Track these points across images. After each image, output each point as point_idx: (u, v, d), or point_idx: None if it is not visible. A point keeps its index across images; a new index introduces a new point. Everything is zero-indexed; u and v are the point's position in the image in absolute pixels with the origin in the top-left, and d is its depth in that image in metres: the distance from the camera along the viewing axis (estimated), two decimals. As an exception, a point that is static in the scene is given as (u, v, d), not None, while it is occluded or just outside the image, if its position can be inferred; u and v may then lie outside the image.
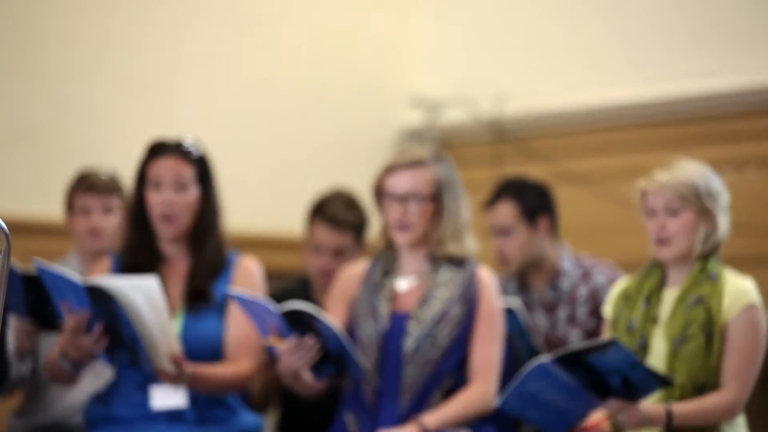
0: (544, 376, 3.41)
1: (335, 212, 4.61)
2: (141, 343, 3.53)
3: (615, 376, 3.38)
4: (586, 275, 4.49)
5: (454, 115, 6.48)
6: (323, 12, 6.31)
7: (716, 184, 3.63)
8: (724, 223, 3.63)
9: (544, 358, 3.42)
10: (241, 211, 5.72)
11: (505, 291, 4.49)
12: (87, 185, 4.26)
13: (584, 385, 3.42)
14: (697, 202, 3.58)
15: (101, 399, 3.83)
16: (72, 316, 3.58)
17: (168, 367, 3.57)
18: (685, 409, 3.48)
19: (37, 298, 3.74)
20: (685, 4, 5.94)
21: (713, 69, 5.83)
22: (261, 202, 5.83)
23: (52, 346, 4.11)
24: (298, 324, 3.51)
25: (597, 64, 6.17)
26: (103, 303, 3.53)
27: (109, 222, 4.26)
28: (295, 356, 3.54)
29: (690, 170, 3.61)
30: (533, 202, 4.52)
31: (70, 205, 4.29)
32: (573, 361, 3.38)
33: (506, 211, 4.50)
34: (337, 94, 6.31)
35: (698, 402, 3.50)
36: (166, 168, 3.81)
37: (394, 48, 6.59)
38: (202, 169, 3.87)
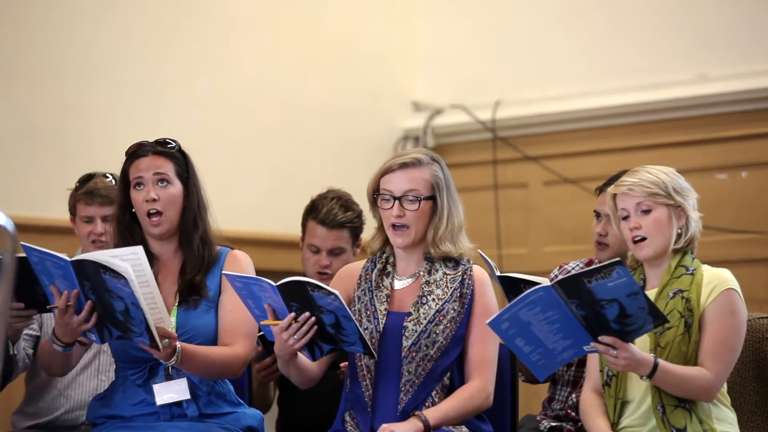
0: (542, 302, 3.38)
1: (330, 212, 4.60)
2: (134, 314, 3.48)
3: (613, 306, 3.35)
4: None
5: (451, 120, 6.52)
6: (327, 22, 6.42)
7: (683, 182, 3.69)
8: (695, 218, 3.68)
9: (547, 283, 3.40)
10: (250, 213, 5.82)
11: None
12: (88, 196, 4.29)
13: (580, 319, 3.38)
14: (667, 198, 3.63)
15: (103, 399, 3.84)
16: (60, 296, 3.57)
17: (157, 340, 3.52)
18: (670, 367, 3.51)
19: (24, 280, 3.75)
20: (677, 12, 5.99)
21: (706, 74, 5.86)
22: (268, 205, 5.91)
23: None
24: (295, 302, 3.50)
25: (591, 69, 6.23)
26: (91, 279, 3.50)
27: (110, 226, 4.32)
28: (291, 333, 3.53)
29: (655, 171, 3.67)
30: None
31: (73, 209, 4.35)
32: (575, 289, 3.33)
33: None
34: (341, 100, 6.41)
35: (682, 367, 3.54)
36: (146, 166, 3.81)
37: (395, 56, 6.69)
38: (182, 164, 3.86)
